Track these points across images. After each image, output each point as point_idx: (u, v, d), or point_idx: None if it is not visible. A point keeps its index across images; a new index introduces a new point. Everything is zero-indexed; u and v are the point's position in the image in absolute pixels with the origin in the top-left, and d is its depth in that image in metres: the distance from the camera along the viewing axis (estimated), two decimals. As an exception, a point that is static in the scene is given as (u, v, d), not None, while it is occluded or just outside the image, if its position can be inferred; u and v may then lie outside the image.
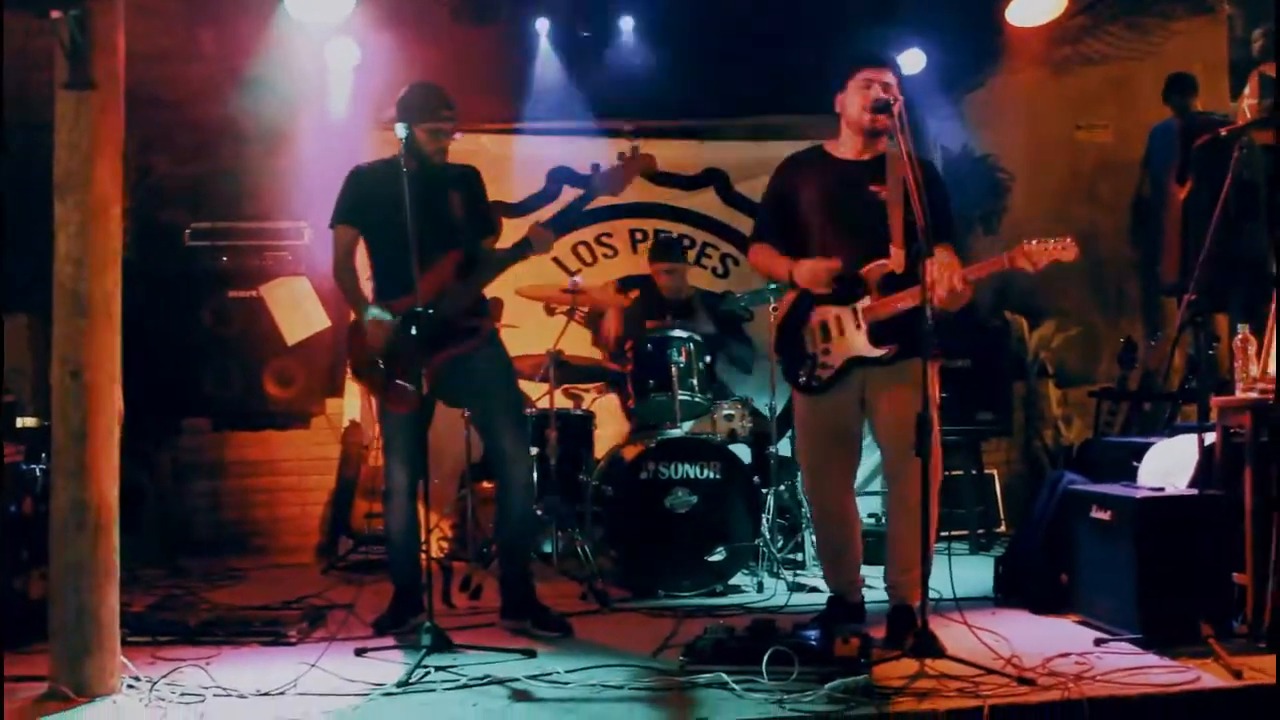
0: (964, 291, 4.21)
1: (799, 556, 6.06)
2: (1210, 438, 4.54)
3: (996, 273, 4.28)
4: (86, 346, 3.75)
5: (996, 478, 7.28)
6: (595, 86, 7.33)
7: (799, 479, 6.08)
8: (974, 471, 6.88)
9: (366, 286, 4.80)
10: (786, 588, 5.42)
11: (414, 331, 4.31)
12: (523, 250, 4.67)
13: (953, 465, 6.81)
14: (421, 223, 4.34)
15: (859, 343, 4.42)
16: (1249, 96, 6.51)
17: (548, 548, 5.82)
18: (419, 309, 4.31)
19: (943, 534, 6.31)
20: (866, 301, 4.39)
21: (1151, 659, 3.99)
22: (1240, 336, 4.51)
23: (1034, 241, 4.14)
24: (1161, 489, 4.49)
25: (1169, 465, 4.79)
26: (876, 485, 6.75)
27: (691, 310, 6.50)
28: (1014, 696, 3.57)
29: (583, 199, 4.86)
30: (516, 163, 7.32)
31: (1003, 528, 7.09)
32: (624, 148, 4.75)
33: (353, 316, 4.82)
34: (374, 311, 4.58)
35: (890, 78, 4.42)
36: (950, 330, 5.75)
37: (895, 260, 4.34)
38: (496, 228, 4.96)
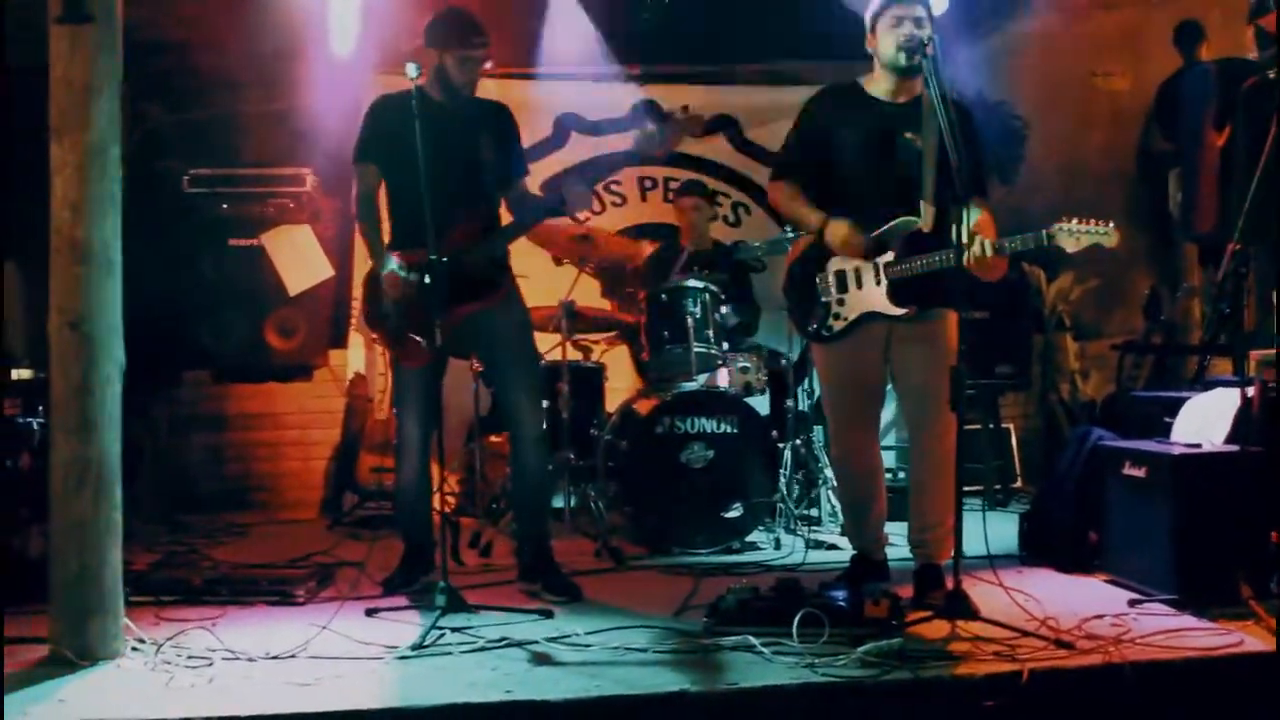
0: (997, 263, 4.02)
1: (815, 512, 5.91)
2: (1249, 392, 4.41)
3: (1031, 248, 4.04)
4: (86, 296, 3.58)
5: (1013, 431, 7.14)
6: (605, 30, 7.13)
7: (815, 433, 5.96)
8: (991, 425, 6.74)
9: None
10: (804, 545, 5.28)
11: (429, 281, 4.10)
12: (555, 211, 4.54)
13: (970, 419, 6.68)
14: (446, 164, 4.15)
15: (877, 298, 4.26)
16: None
17: (559, 503, 5.68)
18: (434, 257, 4.07)
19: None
20: (889, 257, 4.23)
21: (1189, 620, 3.87)
22: (1281, 288, 4.37)
23: (1075, 220, 3.95)
24: (1198, 445, 4.36)
25: (1204, 421, 4.65)
26: (891, 439, 6.60)
27: (713, 263, 6.28)
28: (1053, 660, 3.45)
29: (626, 155, 4.65)
30: (526, 109, 7.11)
31: (1019, 483, 6.96)
32: (665, 104, 4.49)
33: (369, 264, 4.59)
34: (392, 265, 4.35)
35: (920, 11, 4.20)
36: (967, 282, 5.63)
37: (925, 219, 4.17)
38: (526, 168, 4.75)
